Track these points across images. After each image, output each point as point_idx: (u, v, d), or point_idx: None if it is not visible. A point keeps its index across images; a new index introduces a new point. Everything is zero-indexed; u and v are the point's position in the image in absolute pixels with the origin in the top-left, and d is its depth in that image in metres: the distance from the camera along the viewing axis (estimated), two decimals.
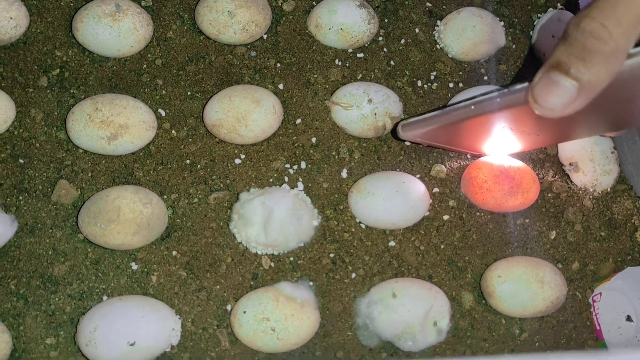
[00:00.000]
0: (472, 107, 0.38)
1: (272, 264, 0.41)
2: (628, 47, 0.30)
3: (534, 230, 0.44)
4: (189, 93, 0.45)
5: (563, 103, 0.32)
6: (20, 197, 0.40)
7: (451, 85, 0.48)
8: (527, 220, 0.45)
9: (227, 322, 0.39)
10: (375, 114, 0.44)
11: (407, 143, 0.45)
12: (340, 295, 0.41)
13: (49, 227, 0.40)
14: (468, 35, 0.48)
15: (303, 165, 0.44)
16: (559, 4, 0.52)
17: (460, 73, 0.49)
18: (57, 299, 0.38)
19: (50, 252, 0.39)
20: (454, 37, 0.49)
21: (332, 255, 0.42)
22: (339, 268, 0.42)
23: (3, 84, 0.42)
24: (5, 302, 0.38)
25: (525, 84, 0.34)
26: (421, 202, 0.43)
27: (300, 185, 0.43)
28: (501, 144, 0.43)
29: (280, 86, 0.46)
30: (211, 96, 0.44)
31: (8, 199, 0.40)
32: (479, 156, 0.45)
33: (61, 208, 0.40)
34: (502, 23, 0.50)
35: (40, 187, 0.40)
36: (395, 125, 0.44)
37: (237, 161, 0.43)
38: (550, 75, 0.32)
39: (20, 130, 0.42)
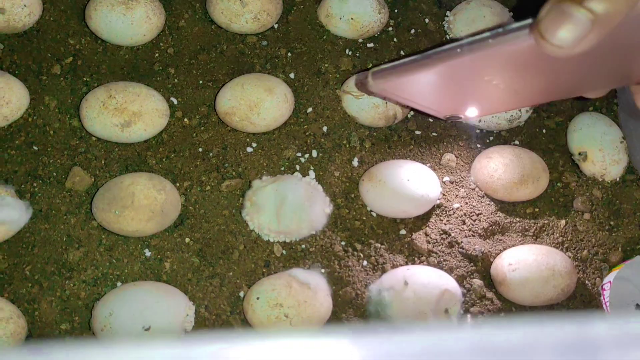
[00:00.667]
0: (459, 49, 0.32)
1: (284, 252, 0.41)
2: None
3: (543, 219, 0.45)
4: (200, 82, 0.45)
5: (575, 37, 0.28)
6: (35, 184, 0.40)
7: None
8: (536, 209, 0.45)
9: (240, 308, 0.39)
10: (387, 103, 0.45)
11: (418, 132, 0.46)
12: (351, 282, 0.41)
13: (63, 214, 0.40)
14: (478, 25, 0.48)
15: (314, 153, 0.44)
16: None
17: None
18: (71, 284, 0.38)
19: (64, 239, 0.39)
20: (464, 28, 0.49)
21: (343, 243, 0.42)
22: (351, 256, 0.42)
23: (17, 72, 0.43)
24: (20, 287, 0.38)
25: (526, 22, 0.29)
26: (432, 190, 0.43)
27: (312, 174, 0.43)
28: (477, 103, 0.39)
29: (292, 75, 0.46)
30: (223, 85, 0.44)
31: (22, 186, 0.40)
32: (453, 117, 0.40)
33: (75, 195, 0.40)
34: (510, 13, 0.50)
35: (54, 174, 0.41)
36: (361, 79, 0.38)
37: (249, 149, 0.44)
38: (562, 6, 0.28)
39: (35, 118, 0.42)
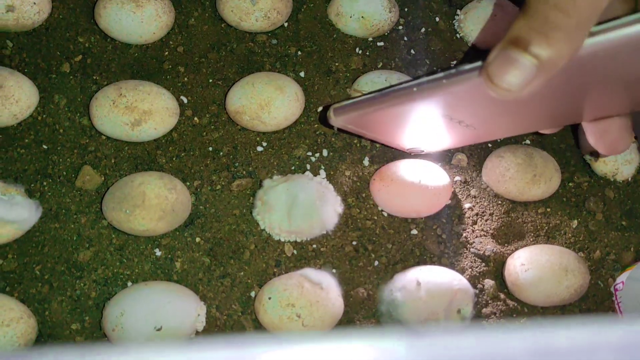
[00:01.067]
0: (415, 88, 0.33)
1: (295, 251, 0.41)
2: (592, 21, 0.28)
3: (555, 219, 0.44)
4: (210, 80, 0.45)
5: (521, 82, 0.29)
6: (45, 183, 0.40)
7: None
8: (548, 209, 0.45)
9: (251, 308, 0.39)
10: None
11: None
12: (363, 282, 0.41)
13: (73, 213, 0.39)
14: (489, 24, 0.48)
15: (325, 153, 0.44)
16: None
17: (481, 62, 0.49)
18: (82, 284, 0.38)
19: (75, 238, 0.39)
20: (475, 26, 0.49)
21: (354, 243, 0.42)
22: (362, 256, 0.41)
23: (26, 70, 0.42)
24: (30, 287, 0.38)
25: (477, 64, 0.31)
26: (444, 190, 0.43)
27: (323, 173, 0.43)
28: (437, 138, 0.40)
29: (302, 74, 0.46)
30: (232, 84, 0.44)
31: (32, 185, 0.40)
32: (415, 150, 0.43)
33: (85, 194, 0.40)
34: None
35: (64, 173, 0.40)
36: (326, 110, 0.39)
37: (259, 149, 0.43)
38: (508, 51, 0.29)
39: (44, 116, 0.41)
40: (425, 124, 0.38)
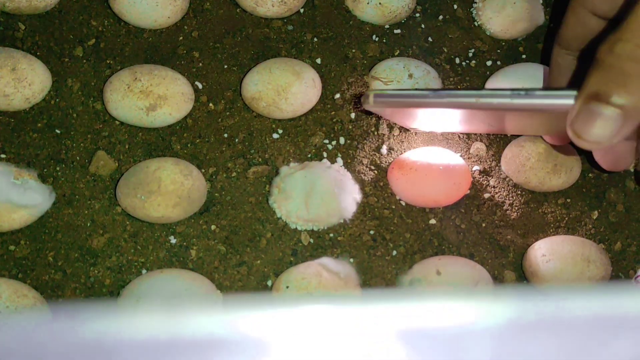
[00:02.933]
0: (474, 99, 0.34)
1: (312, 240, 0.40)
2: None
3: (575, 210, 0.44)
4: (225, 66, 0.44)
5: (609, 133, 0.31)
6: (58, 168, 0.39)
7: (489, 63, 0.47)
8: (568, 200, 0.44)
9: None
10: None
11: None
12: (381, 272, 0.40)
13: (87, 199, 0.39)
14: (507, 12, 0.47)
15: (342, 140, 0.43)
16: None
17: (499, 51, 0.48)
18: (96, 271, 0.37)
19: (88, 224, 0.38)
20: (493, 14, 0.48)
21: (372, 232, 0.41)
22: (380, 245, 0.41)
23: (39, 53, 0.41)
24: (43, 274, 0.37)
25: (547, 92, 0.33)
26: (463, 180, 0.42)
27: (340, 161, 0.42)
28: (458, 124, 0.41)
29: (318, 61, 0.45)
30: (248, 69, 0.43)
31: (45, 170, 0.39)
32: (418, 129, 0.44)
33: (99, 180, 0.39)
34: (541, 0, 0.49)
35: (77, 158, 0.40)
36: (359, 95, 0.40)
37: (275, 136, 0.42)
38: (591, 106, 0.31)
39: (57, 100, 0.41)
40: (460, 120, 0.40)
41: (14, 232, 0.37)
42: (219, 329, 0.18)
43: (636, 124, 0.31)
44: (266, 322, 0.18)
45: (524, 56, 0.48)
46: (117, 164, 0.40)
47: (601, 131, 0.31)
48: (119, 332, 0.18)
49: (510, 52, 0.48)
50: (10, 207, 0.36)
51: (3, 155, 0.39)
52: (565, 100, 0.33)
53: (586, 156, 0.44)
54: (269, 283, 0.39)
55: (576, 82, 0.37)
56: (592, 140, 0.31)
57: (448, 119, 0.39)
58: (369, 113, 0.41)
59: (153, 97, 0.40)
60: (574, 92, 0.33)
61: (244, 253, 0.39)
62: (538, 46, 0.49)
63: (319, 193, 0.39)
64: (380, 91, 0.37)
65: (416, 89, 0.37)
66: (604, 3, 0.36)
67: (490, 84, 0.46)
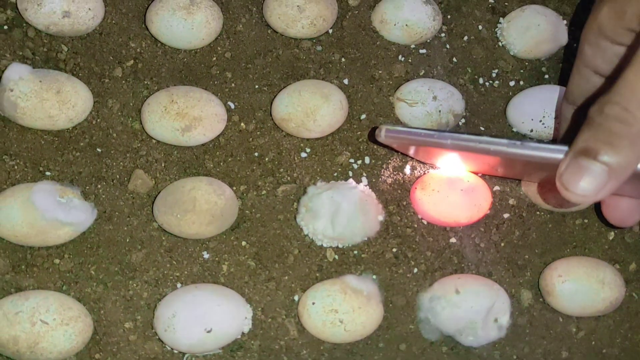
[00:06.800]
0: (478, 144, 0.38)
1: (337, 257, 0.42)
2: None
3: (592, 231, 0.45)
4: (256, 86, 0.46)
5: (594, 188, 0.33)
6: (99, 186, 0.41)
7: (512, 83, 0.48)
8: (585, 221, 0.45)
9: (295, 312, 0.40)
10: (440, 111, 0.45)
11: None
12: (403, 289, 0.42)
13: (126, 216, 0.41)
14: (532, 33, 0.48)
15: (367, 160, 0.45)
16: None
17: (522, 71, 0.49)
18: (134, 284, 0.40)
19: (127, 240, 0.41)
20: (517, 35, 0.49)
21: (394, 250, 0.43)
22: (402, 263, 0.43)
23: (80, 74, 0.44)
24: (85, 286, 0.39)
25: (541, 145, 0.37)
26: (484, 201, 0.43)
27: (365, 180, 0.44)
28: (466, 164, 0.44)
29: (345, 81, 0.46)
30: (278, 89, 0.45)
31: (87, 187, 0.41)
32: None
33: (137, 197, 0.42)
34: (564, 21, 0.50)
35: (117, 176, 0.42)
36: (373, 128, 0.44)
37: (303, 155, 0.44)
38: (579, 160, 0.33)
39: (98, 120, 0.43)
40: (464, 162, 0.43)
41: (58, 246, 0.40)
42: None
43: (621, 181, 0.32)
44: None
45: (546, 76, 0.49)
46: (154, 181, 0.42)
47: (587, 185, 0.33)
48: None
49: (533, 72, 0.49)
50: (57, 225, 0.38)
51: (48, 173, 0.41)
52: (556, 154, 0.36)
53: (595, 211, 0.45)
54: (296, 298, 0.41)
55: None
56: (578, 193, 0.33)
57: (451, 157, 0.42)
58: (383, 144, 0.43)
59: (188, 118, 0.42)
60: (565, 148, 0.35)
61: (273, 269, 0.41)
62: (561, 66, 0.50)
63: (344, 213, 0.41)
64: (392, 127, 0.40)
65: (424, 129, 0.40)
66: (604, 63, 0.38)
67: (512, 106, 0.47)
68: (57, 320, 0.36)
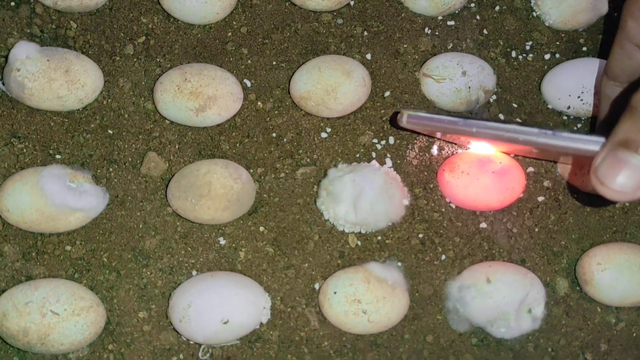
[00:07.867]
0: (502, 133, 0.35)
1: (359, 243, 0.40)
2: None
3: (634, 215, 0.42)
4: (274, 63, 0.43)
5: (634, 184, 0.30)
6: (110, 169, 0.40)
7: (547, 56, 0.45)
8: (626, 204, 0.42)
9: (315, 301, 0.39)
10: (469, 87, 0.42)
11: (501, 116, 0.43)
12: (430, 277, 0.40)
13: (139, 200, 0.39)
14: (569, 2, 0.45)
15: (391, 140, 0.42)
16: None
17: (558, 43, 0.46)
18: (148, 272, 0.38)
19: (140, 225, 0.39)
20: (553, 5, 0.45)
21: (421, 235, 0.40)
22: (428, 249, 0.40)
23: (90, 52, 0.42)
24: (98, 274, 0.38)
25: (575, 135, 0.34)
26: (517, 183, 0.41)
27: (389, 162, 0.42)
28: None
29: (368, 56, 0.44)
30: (297, 67, 0.43)
31: (99, 170, 0.40)
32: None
33: (150, 180, 0.40)
34: None
35: (129, 159, 0.40)
36: (395, 113, 0.42)
37: (324, 135, 0.42)
38: (618, 153, 0.30)
39: (109, 100, 0.41)
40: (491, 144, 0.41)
41: (69, 232, 0.38)
42: None
43: None
44: None
45: (584, 48, 0.46)
46: (167, 164, 0.40)
47: (626, 180, 0.30)
48: None
49: (570, 45, 0.46)
50: (67, 210, 0.37)
51: (58, 156, 0.40)
52: (592, 145, 0.33)
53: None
54: (316, 286, 0.39)
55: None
56: (615, 189, 0.30)
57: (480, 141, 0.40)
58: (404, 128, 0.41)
59: (203, 98, 0.39)
60: (602, 139, 0.32)
61: (292, 255, 0.39)
62: (601, 38, 0.46)
63: (367, 197, 0.39)
64: (414, 112, 0.38)
65: (448, 115, 0.38)
66: None
67: (548, 81, 0.44)
68: (68, 310, 0.35)
